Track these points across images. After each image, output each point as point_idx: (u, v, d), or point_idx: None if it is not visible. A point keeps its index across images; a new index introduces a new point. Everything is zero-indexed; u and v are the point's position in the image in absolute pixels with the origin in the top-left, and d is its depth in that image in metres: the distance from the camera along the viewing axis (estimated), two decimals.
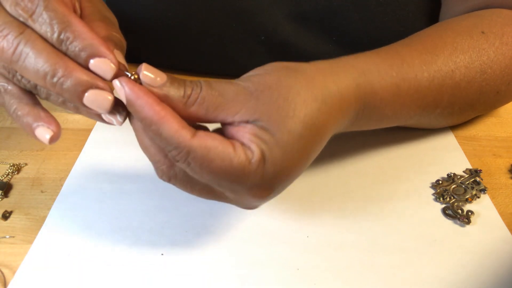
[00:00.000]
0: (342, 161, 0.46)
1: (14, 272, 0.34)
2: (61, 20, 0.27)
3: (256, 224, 0.39)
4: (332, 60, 0.36)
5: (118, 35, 0.32)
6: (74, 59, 0.28)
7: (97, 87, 0.28)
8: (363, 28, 0.53)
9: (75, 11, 0.32)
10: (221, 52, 0.56)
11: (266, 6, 0.52)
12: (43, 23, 0.28)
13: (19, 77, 0.30)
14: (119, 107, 0.30)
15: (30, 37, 0.28)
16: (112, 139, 0.47)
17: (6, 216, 0.38)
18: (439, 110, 0.43)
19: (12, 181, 0.42)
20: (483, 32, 0.43)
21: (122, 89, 0.28)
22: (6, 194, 0.40)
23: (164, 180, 0.32)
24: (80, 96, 0.28)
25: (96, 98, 0.28)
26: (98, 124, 0.49)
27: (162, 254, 0.36)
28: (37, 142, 0.46)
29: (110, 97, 0.28)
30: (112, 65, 0.28)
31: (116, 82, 0.28)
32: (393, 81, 0.38)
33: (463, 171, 0.45)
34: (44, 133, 0.30)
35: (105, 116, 0.30)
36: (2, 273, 0.34)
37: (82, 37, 0.28)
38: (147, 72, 0.28)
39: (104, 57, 0.28)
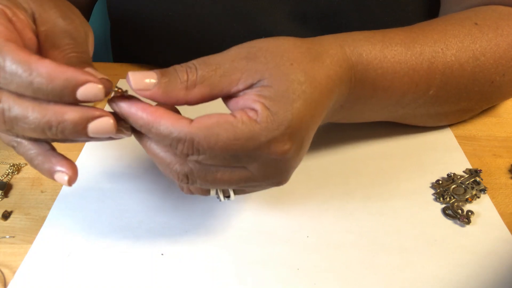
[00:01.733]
0: (342, 161, 0.46)
1: (14, 272, 0.34)
2: (24, 68, 0.26)
3: (256, 224, 0.39)
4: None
5: (76, 53, 0.31)
6: (59, 101, 0.27)
7: (94, 117, 0.28)
8: (363, 28, 0.53)
9: (37, 40, 0.31)
10: (222, 50, 0.56)
11: (266, 7, 0.52)
12: (11, 80, 0.26)
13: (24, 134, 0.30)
14: (121, 122, 0.29)
15: (9, 100, 0.27)
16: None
17: (6, 216, 0.38)
18: (433, 91, 0.42)
19: (12, 181, 0.42)
20: (476, 24, 0.43)
21: (116, 108, 0.29)
22: (6, 194, 0.40)
23: (184, 190, 0.32)
24: (84, 133, 0.28)
25: (99, 127, 0.28)
26: None
27: (162, 254, 0.36)
28: None
29: (111, 121, 0.28)
30: (99, 86, 0.27)
31: (109, 103, 0.29)
32: (376, 47, 0.38)
33: (463, 171, 0.45)
34: (62, 177, 0.30)
35: (114, 135, 0.30)
36: (2, 273, 0.34)
37: (54, 76, 0.26)
38: (135, 79, 0.28)
39: (86, 83, 0.27)
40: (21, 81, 0.26)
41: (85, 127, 0.28)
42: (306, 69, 0.31)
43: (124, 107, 0.28)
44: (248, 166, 0.30)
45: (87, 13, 0.65)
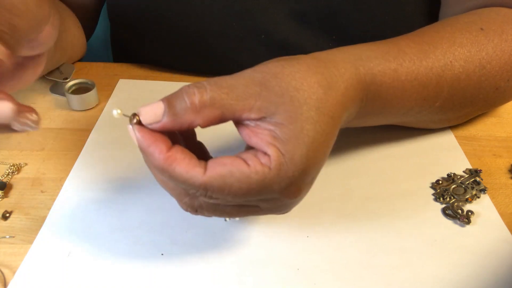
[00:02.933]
0: (342, 161, 0.46)
1: (14, 272, 0.34)
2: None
3: (256, 224, 0.39)
4: (327, 50, 0.36)
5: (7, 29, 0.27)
6: None
7: None
8: (363, 27, 0.53)
9: None
10: (221, 51, 0.56)
11: (266, 5, 0.52)
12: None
13: None
14: (28, 114, 0.27)
15: None
16: (112, 139, 0.47)
17: (6, 216, 0.38)
18: (439, 103, 0.42)
19: (12, 181, 0.42)
20: (482, 29, 0.44)
21: (133, 135, 0.29)
22: (6, 194, 0.40)
23: (190, 212, 0.32)
24: None
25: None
26: (98, 124, 0.49)
27: (162, 254, 0.36)
28: (37, 142, 0.46)
29: (12, 106, 0.26)
30: (10, 104, 0.26)
31: (129, 128, 0.29)
32: (390, 65, 0.38)
33: (463, 171, 0.45)
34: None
35: (17, 126, 0.27)
36: (2, 273, 0.34)
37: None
38: (145, 114, 0.29)
39: None
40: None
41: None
42: (321, 104, 0.30)
43: (143, 143, 0.28)
44: (259, 204, 0.30)
45: (95, 16, 0.65)
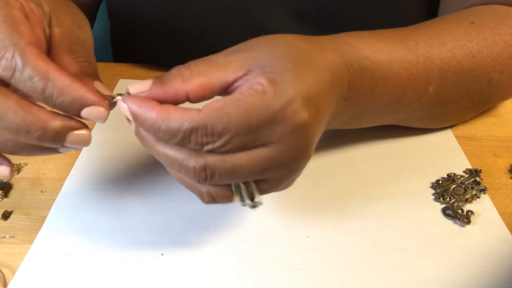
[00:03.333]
0: (342, 161, 0.46)
1: (14, 272, 0.34)
2: (42, 76, 0.27)
3: (256, 223, 0.39)
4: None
5: (88, 63, 0.32)
6: (64, 113, 0.29)
7: (75, 128, 0.29)
8: (362, 26, 0.53)
9: (45, 40, 0.32)
10: (222, 49, 0.56)
11: (266, 5, 0.52)
12: (23, 82, 0.27)
13: None
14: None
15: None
16: (112, 139, 0.47)
17: (6, 216, 0.38)
18: (432, 88, 0.42)
19: (12, 181, 0.42)
20: (472, 23, 0.44)
21: (124, 106, 0.29)
22: (6, 194, 0.40)
23: (203, 185, 0.31)
24: (62, 142, 0.29)
25: (77, 138, 0.29)
26: (98, 124, 0.49)
27: (162, 254, 0.36)
28: None
29: (89, 132, 0.30)
30: (102, 109, 0.29)
31: (121, 105, 0.29)
32: (370, 42, 0.38)
33: (463, 171, 0.45)
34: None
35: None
36: (2, 273, 0.34)
37: (66, 91, 0.28)
38: (133, 87, 0.29)
39: (93, 105, 0.28)
40: (33, 87, 0.27)
41: (64, 136, 0.29)
42: (302, 47, 0.31)
43: (133, 107, 0.28)
44: (267, 143, 0.29)
45: (92, 15, 0.65)
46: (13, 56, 0.27)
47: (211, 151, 0.28)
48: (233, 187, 0.31)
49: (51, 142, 0.29)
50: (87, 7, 0.61)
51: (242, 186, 0.31)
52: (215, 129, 0.27)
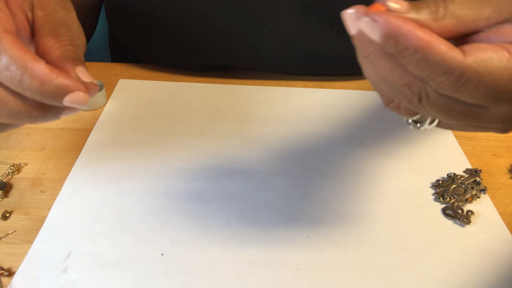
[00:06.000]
0: (342, 161, 0.46)
1: (14, 272, 0.34)
2: (19, 65, 0.26)
3: (256, 223, 0.39)
4: None
5: (71, 46, 0.30)
6: (45, 102, 0.28)
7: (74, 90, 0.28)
8: None
9: (28, 24, 0.31)
10: (222, 46, 0.56)
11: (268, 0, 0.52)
12: (1, 71, 0.26)
13: None
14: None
15: None
16: (112, 139, 0.47)
17: (6, 216, 0.38)
18: None
19: (12, 181, 0.42)
20: None
21: (373, 24, 0.25)
22: (6, 194, 0.40)
23: (408, 99, 0.27)
24: (60, 99, 0.28)
25: (75, 98, 0.28)
26: (98, 124, 0.49)
27: (162, 254, 0.36)
28: (37, 142, 0.46)
29: (85, 95, 0.28)
30: (83, 94, 0.28)
31: (365, 20, 0.25)
32: None
33: (463, 171, 0.45)
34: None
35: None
36: (2, 273, 0.34)
37: (45, 80, 0.26)
38: (392, 3, 0.25)
39: (74, 91, 0.27)
40: (10, 76, 0.26)
41: (63, 96, 0.27)
42: None
43: (399, 24, 0.24)
44: (494, 108, 0.27)
45: (94, 17, 0.65)
46: None
47: (437, 91, 0.26)
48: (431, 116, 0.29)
49: (51, 96, 0.27)
50: (89, 9, 0.61)
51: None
52: (468, 83, 0.25)
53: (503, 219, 0.40)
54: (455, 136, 0.50)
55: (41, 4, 0.31)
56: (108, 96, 0.54)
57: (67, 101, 0.27)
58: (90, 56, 0.64)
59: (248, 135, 0.49)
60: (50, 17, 0.31)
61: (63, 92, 0.27)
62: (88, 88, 0.28)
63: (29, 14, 0.31)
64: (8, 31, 0.27)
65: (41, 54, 0.29)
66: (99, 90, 0.51)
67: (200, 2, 0.52)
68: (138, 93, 0.55)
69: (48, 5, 0.32)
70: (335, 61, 0.57)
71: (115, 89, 0.55)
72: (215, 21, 0.53)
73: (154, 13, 0.54)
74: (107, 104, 0.52)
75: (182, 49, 0.56)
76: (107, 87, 0.55)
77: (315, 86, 0.58)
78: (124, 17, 0.58)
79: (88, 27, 0.62)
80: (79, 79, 0.28)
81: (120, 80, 0.57)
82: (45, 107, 0.28)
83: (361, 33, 0.26)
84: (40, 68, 0.26)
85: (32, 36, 0.31)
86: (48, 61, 0.28)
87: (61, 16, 0.32)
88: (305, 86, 0.58)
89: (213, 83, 0.57)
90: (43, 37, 0.30)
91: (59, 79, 0.27)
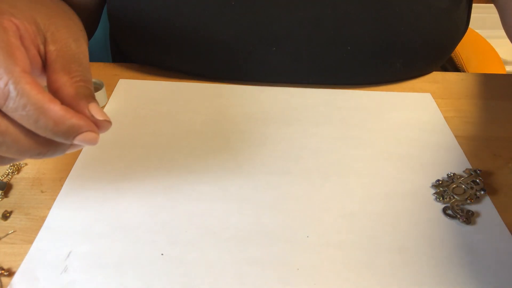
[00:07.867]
0: (342, 161, 0.46)
1: (14, 272, 0.34)
2: (35, 106, 0.27)
3: (256, 223, 0.39)
4: None
5: (83, 82, 0.31)
6: (57, 140, 0.29)
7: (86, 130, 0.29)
8: (378, 37, 0.52)
9: (40, 58, 0.31)
10: (231, 59, 0.55)
11: (278, 15, 0.52)
12: (16, 111, 0.27)
13: None
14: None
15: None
16: (112, 139, 0.47)
17: (6, 216, 0.38)
18: None
19: (12, 181, 0.42)
20: None
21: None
22: (6, 194, 0.40)
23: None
24: (72, 138, 0.29)
25: (86, 138, 0.29)
26: None
27: (162, 254, 0.36)
28: None
29: (96, 135, 0.30)
30: (94, 134, 0.29)
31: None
32: None
33: (463, 171, 0.45)
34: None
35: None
36: (2, 273, 0.34)
37: (59, 122, 0.27)
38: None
39: (86, 131, 0.28)
40: (26, 116, 0.27)
41: (76, 135, 0.29)
42: None
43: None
44: None
45: (96, 17, 0.64)
46: (6, 84, 0.27)
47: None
48: None
49: (64, 134, 0.28)
50: (90, 11, 0.61)
51: None
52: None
53: (503, 219, 0.40)
54: (455, 136, 0.50)
55: (53, 38, 0.32)
56: (108, 96, 0.54)
57: (78, 140, 0.28)
58: (90, 56, 0.63)
59: (248, 135, 0.49)
60: (62, 52, 0.32)
61: (76, 131, 0.28)
62: (100, 125, 0.30)
63: (42, 48, 0.32)
64: (26, 72, 0.28)
65: (54, 90, 0.30)
66: (99, 89, 0.51)
67: (209, 18, 0.52)
68: (138, 93, 0.55)
69: (61, 38, 0.32)
70: (344, 77, 0.57)
71: (115, 89, 0.55)
72: (224, 34, 0.52)
73: (160, 25, 0.54)
74: (107, 104, 0.52)
75: (188, 61, 0.56)
76: (107, 87, 0.55)
77: (315, 86, 0.58)
78: (125, 20, 0.58)
79: (89, 30, 0.62)
80: (92, 116, 0.29)
81: (120, 80, 0.57)
82: (54, 144, 0.29)
83: None
84: (56, 109, 0.27)
85: (43, 68, 0.32)
86: (62, 98, 0.29)
87: (72, 50, 0.32)
88: (305, 86, 0.58)
89: (213, 83, 0.57)
90: (56, 73, 0.31)
91: (73, 120, 0.28)
